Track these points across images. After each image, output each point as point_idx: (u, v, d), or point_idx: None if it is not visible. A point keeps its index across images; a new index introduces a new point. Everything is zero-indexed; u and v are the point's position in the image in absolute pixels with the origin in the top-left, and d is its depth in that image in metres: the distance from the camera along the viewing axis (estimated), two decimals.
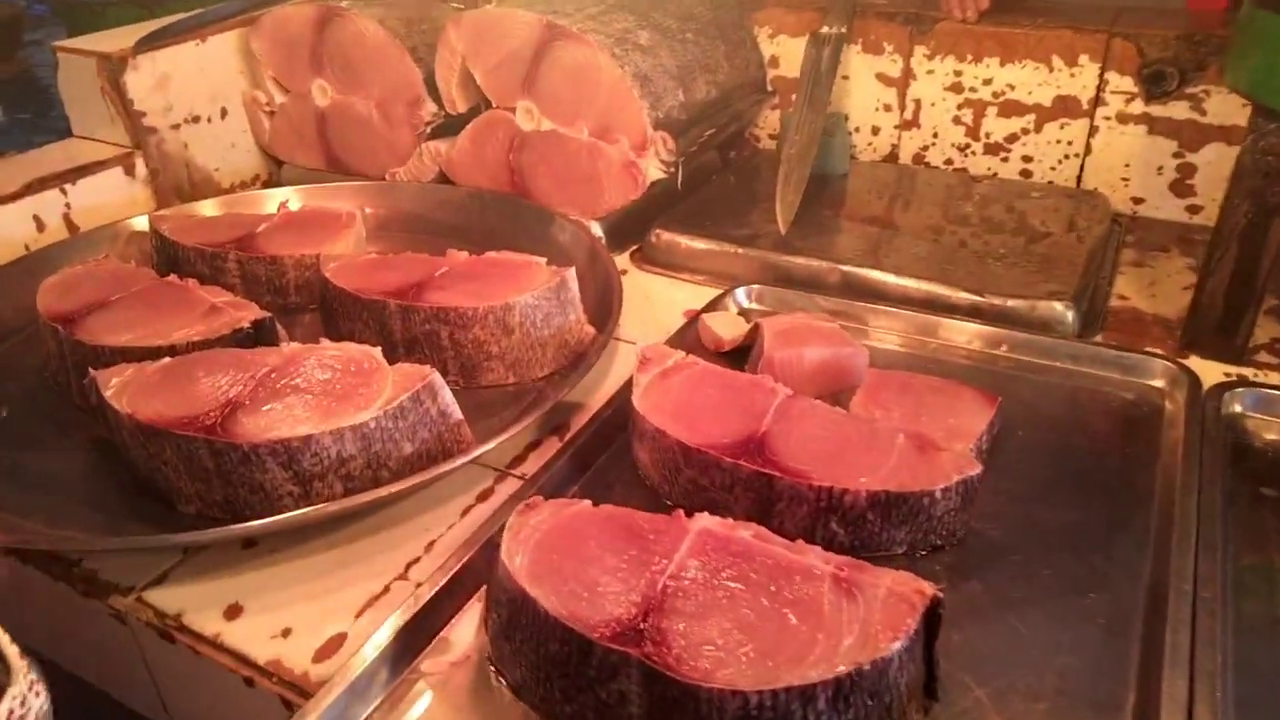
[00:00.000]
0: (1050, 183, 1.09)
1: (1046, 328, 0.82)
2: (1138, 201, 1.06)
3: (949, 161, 1.15)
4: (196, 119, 1.13)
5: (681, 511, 0.54)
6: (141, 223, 1.01)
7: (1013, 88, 1.08)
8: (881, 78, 1.14)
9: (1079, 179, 1.08)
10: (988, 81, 1.09)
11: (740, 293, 0.89)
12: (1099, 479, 0.66)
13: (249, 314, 0.77)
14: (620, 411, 0.72)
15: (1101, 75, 1.03)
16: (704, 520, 0.53)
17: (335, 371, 0.67)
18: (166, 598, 0.60)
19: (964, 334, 0.82)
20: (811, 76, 1.07)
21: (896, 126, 1.16)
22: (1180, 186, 1.04)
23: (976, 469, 0.59)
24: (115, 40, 1.08)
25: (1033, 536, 0.61)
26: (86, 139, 1.11)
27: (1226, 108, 0.98)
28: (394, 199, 1.07)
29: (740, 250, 0.95)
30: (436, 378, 0.66)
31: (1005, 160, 1.12)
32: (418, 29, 1.09)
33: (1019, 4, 1.08)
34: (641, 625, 0.47)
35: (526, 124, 1.01)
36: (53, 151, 1.09)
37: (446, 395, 0.67)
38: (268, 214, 0.98)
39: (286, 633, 0.57)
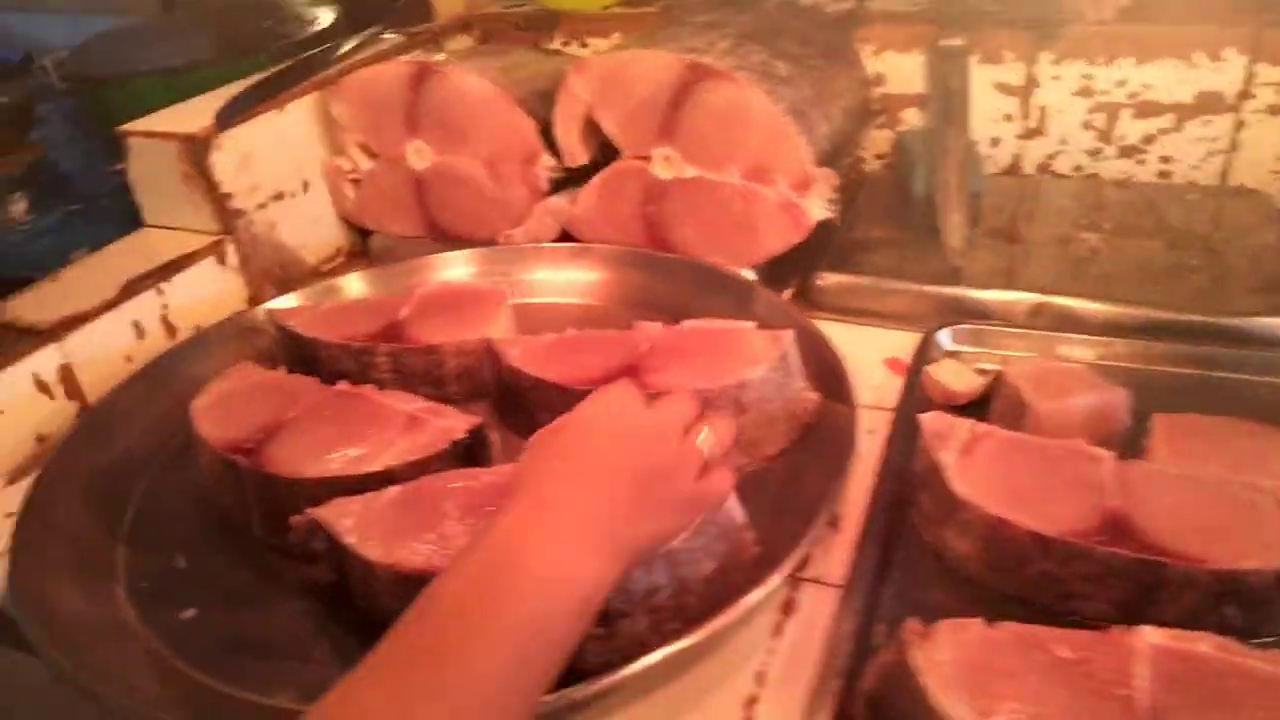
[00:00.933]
0: (1193, 183, 1.06)
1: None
2: None
3: (1078, 168, 1.10)
4: (280, 195, 1.03)
5: (1117, 628, 0.47)
6: (253, 317, 0.91)
7: (1149, 87, 1.03)
8: (1001, 87, 1.09)
9: (1224, 176, 1.05)
10: (1121, 83, 1.04)
11: (943, 335, 0.83)
12: None
13: (458, 422, 0.68)
14: (893, 490, 0.66)
15: (1250, 67, 0.99)
16: (1150, 635, 0.47)
17: None
18: None
19: (1195, 358, 0.77)
20: (943, 92, 1.02)
21: (1019, 136, 1.11)
22: None
23: None
24: (187, 117, 0.98)
25: None
26: (164, 228, 1.00)
27: None
28: (519, 264, 0.98)
29: (923, 287, 0.89)
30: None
31: (1141, 163, 1.07)
32: (521, 78, 1.01)
33: (1156, 1, 1.04)
34: None
35: (665, 172, 0.93)
36: (130, 247, 0.98)
37: (734, 501, 0.60)
38: (400, 297, 0.89)
39: None
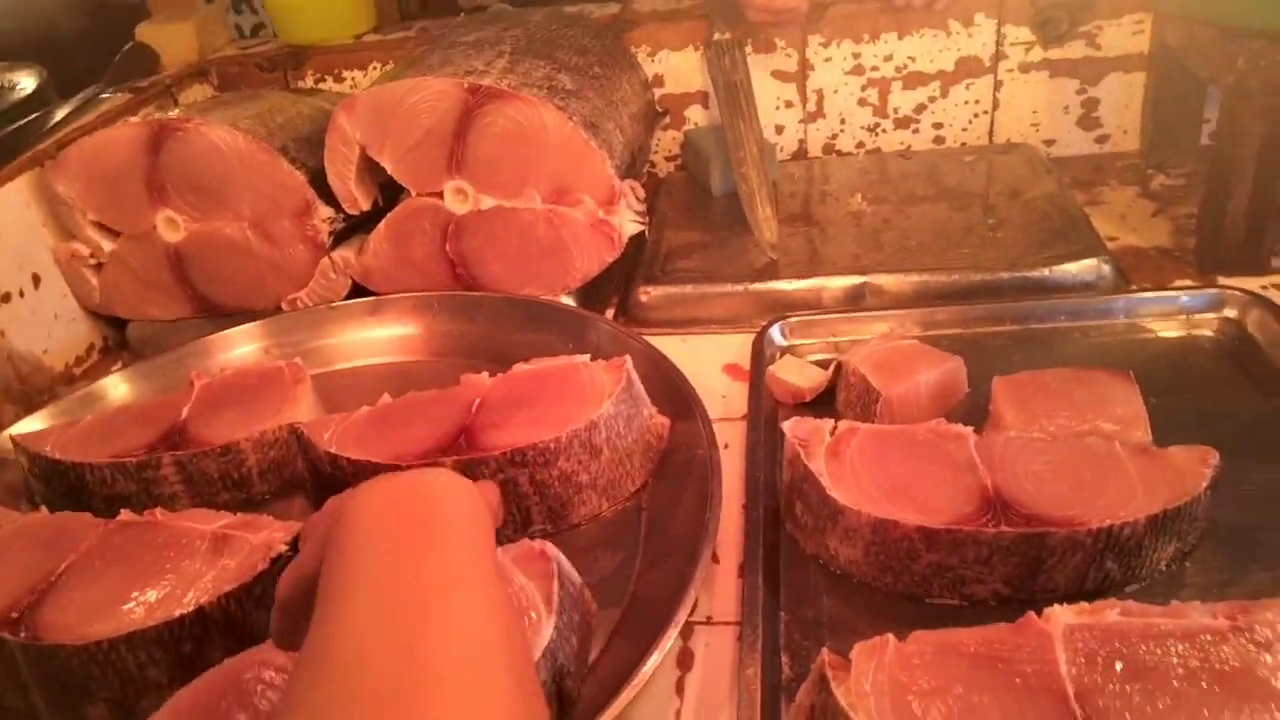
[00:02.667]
0: (964, 144, 1.10)
1: (1088, 288, 0.81)
2: (1049, 143, 1.09)
3: (860, 145, 1.13)
4: (6, 296, 0.87)
5: (1032, 615, 0.46)
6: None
7: (914, 59, 1.07)
8: (778, 75, 1.10)
9: (990, 134, 1.10)
10: (888, 57, 1.07)
11: (774, 332, 0.81)
12: (1258, 424, 0.65)
13: (276, 533, 0.59)
14: (764, 506, 0.63)
15: (999, 30, 1.04)
16: (1061, 615, 0.45)
17: None
18: None
19: (1013, 315, 0.79)
20: (725, 85, 1.00)
21: (801, 120, 1.13)
22: (1087, 121, 1.08)
23: (1215, 454, 0.55)
24: None
25: (1259, 505, 0.59)
26: None
27: (1119, 40, 1.02)
28: (311, 330, 0.88)
29: (748, 286, 0.87)
30: (551, 549, 0.53)
31: (916, 132, 1.11)
32: (277, 124, 0.90)
33: None
34: None
35: (460, 207, 0.86)
36: None
37: (568, 566, 0.54)
38: (175, 395, 0.77)
39: None
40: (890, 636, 0.47)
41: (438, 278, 0.89)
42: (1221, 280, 0.80)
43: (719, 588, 0.60)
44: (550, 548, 0.53)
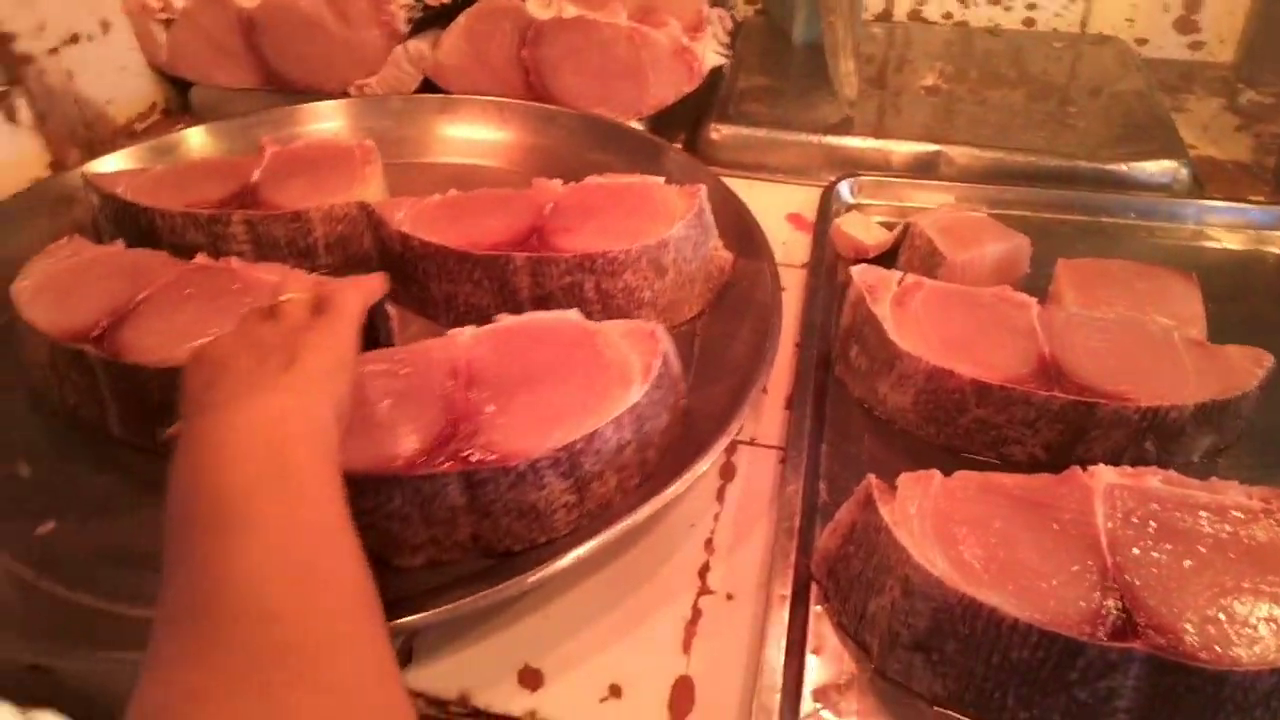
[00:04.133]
0: (1055, 30, 1.07)
1: (1162, 189, 0.81)
2: (1141, 42, 1.06)
3: (948, 15, 1.10)
4: (75, 38, 0.86)
5: (1076, 469, 0.48)
6: (63, 183, 0.77)
7: None
8: None
9: (1083, 24, 1.07)
10: None
11: (844, 188, 0.81)
12: None
13: None
14: (817, 347, 0.64)
15: None
16: (1105, 474, 0.48)
17: (556, 348, 0.55)
18: (428, 680, 0.48)
19: (1082, 205, 0.79)
20: None
21: None
22: (1185, 23, 1.04)
23: (1269, 358, 0.57)
24: None
25: None
26: None
27: None
28: (380, 117, 0.87)
29: (821, 139, 0.86)
30: (661, 331, 0.56)
31: (1008, 10, 1.08)
32: None
33: None
34: (1127, 614, 0.42)
35: (542, 12, 0.84)
36: None
37: (672, 348, 0.57)
38: (248, 157, 0.77)
39: (616, 691, 0.47)
40: (936, 471, 0.49)
41: (510, 83, 0.88)
42: None
43: (765, 415, 0.62)
44: (660, 330, 0.56)
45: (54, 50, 0.84)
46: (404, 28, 0.87)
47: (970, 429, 0.57)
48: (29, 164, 0.83)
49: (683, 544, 0.54)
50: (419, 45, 0.88)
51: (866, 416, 0.61)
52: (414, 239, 0.66)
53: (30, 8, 0.81)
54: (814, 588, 0.50)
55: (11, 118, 0.81)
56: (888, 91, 0.95)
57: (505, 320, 0.58)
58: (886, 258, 0.74)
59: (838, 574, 0.49)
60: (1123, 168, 0.81)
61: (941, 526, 0.46)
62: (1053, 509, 0.46)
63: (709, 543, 0.54)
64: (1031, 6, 1.07)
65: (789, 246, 0.77)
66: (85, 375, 0.57)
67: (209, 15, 0.90)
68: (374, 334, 0.60)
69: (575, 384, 0.53)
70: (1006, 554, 0.44)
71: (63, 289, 0.61)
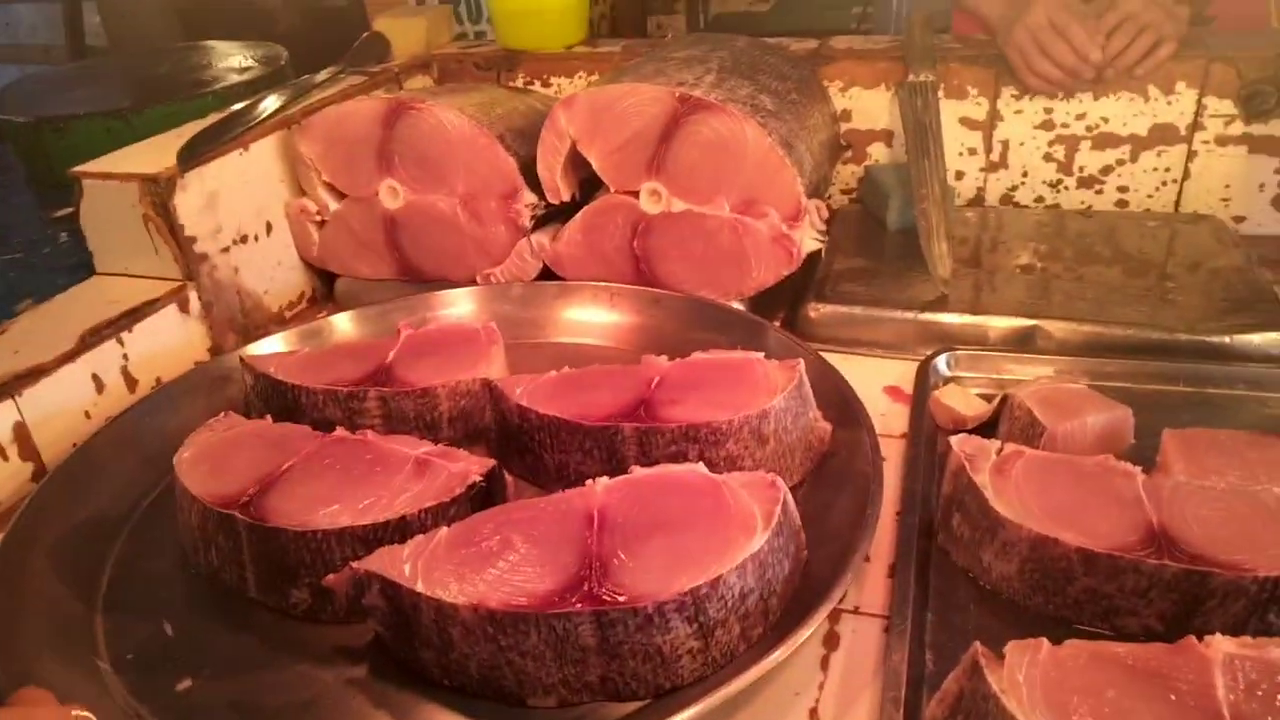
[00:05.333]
0: (1148, 210, 1.10)
1: (1270, 360, 0.80)
2: (1239, 220, 1.08)
3: (1039, 199, 1.14)
4: (245, 239, 0.99)
5: (1192, 638, 0.47)
6: (220, 365, 0.86)
7: (1106, 120, 1.08)
8: (965, 121, 1.12)
9: (1177, 204, 1.09)
10: (1080, 116, 1.08)
11: (941, 361, 0.83)
12: None
13: (472, 465, 0.65)
14: (918, 516, 0.65)
15: (1199, 100, 1.04)
16: (1223, 644, 0.46)
17: (683, 497, 0.59)
18: None
19: (1187, 376, 0.79)
20: (915, 125, 1.04)
21: (982, 169, 1.14)
22: None
23: None
24: (144, 158, 0.93)
25: None
26: (119, 275, 0.95)
27: None
28: (504, 303, 0.95)
29: (917, 315, 0.89)
30: (780, 482, 0.59)
31: (1099, 193, 1.11)
32: (497, 115, 0.99)
33: None
34: None
35: (653, 207, 0.92)
36: (85, 295, 0.92)
37: (792, 503, 0.59)
38: (383, 340, 0.85)
39: None
40: (1044, 639, 0.49)
41: (622, 271, 0.95)
42: None
43: (868, 584, 0.63)
44: (779, 480, 0.59)
45: (226, 250, 0.96)
46: (528, 223, 0.97)
47: (1080, 599, 0.56)
48: (194, 349, 0.93)
49: (788, 713, 0.54)
50: (540, 238, 0.97)
51: (972, 585, 0.61)
52: (531, 411, 0.71)
53: (211, 213, 0.94)
54: None
55: (184, 308, 0.92)
56: (982, 270, 0.99)
57: (637, 471, 0.62)
58: (985, 430, 0.75)
59: None
60: (1226, 340, 0.81)
61: (1052, 695, 0.45)
62: (1169, 679, 0.45)
63: (814, 712, 0.54)
64: (1123, 189, 1.10)
65: (887, 418, 0.79)
66: (230, 538, 0.63)
67: (357, 216, 1.02)
68: (492, 500, 0.64)
69: (701, 531, 0.56)
70: None
71: (216, 459, 0.68)
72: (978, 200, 1.16)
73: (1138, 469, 0.61)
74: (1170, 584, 0.53)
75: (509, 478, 0.68)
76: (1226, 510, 0.57)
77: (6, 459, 0.78)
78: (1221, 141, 1.05)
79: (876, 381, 0.85)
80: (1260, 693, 0.44)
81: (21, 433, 0.78)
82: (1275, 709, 0.43)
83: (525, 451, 0.73)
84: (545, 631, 0.52)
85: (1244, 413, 0.75)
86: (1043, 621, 0.57)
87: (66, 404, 0.82)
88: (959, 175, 1.15)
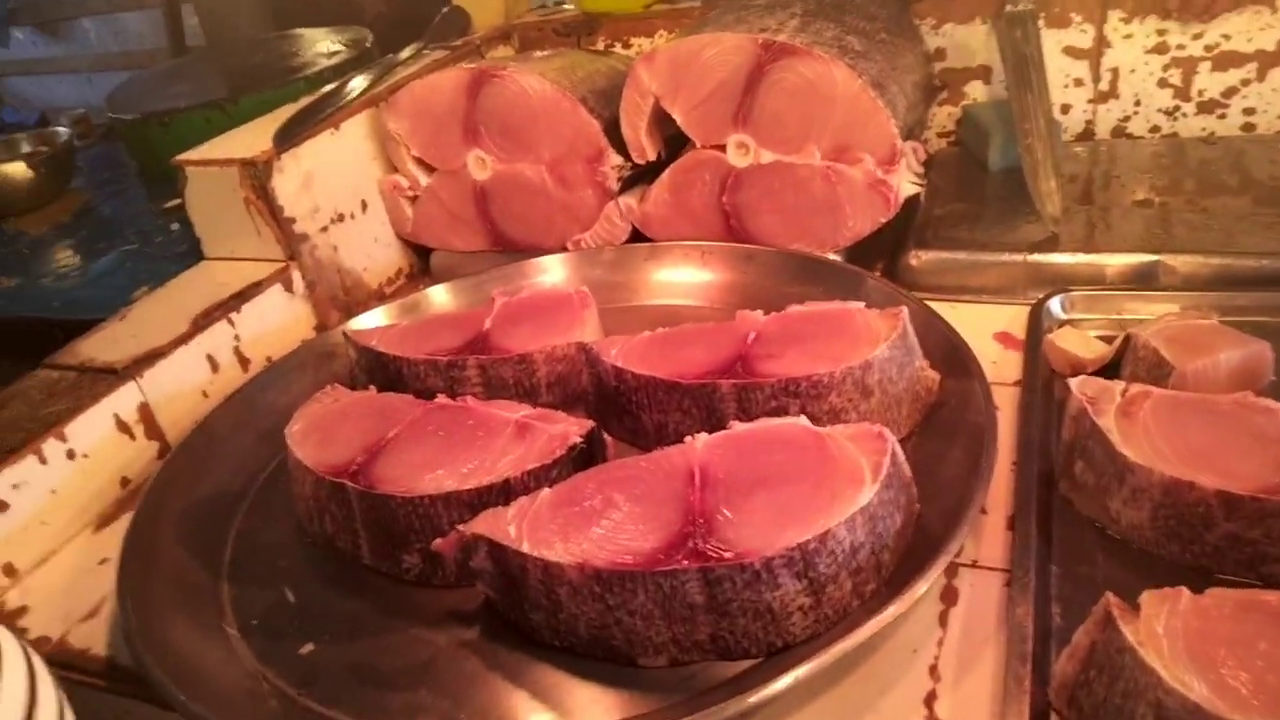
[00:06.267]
0: (1279, 133, 1.02)
1: None
2: None
3: (1155, 129, 1.07)
4: (341, 217, 1.01)
5: None
6: (325, 341, 0.88)
7: (1228, 37, 1.00)
8: (1070, 51, 1.06)
9: None
10: (1198, 36, 1.01)
11: (1055, 304, 0.79)
12: None
13: (571, 426, 0.65)
14: (1036, 465, 0.62)
15: None
16: None
17: (786, 451, 0.57)
18: None
19: None
20: (1015, 57, 0.98)
21: (1090, 101, 1.08)
22: None
23: None
24: (242, 143, 0.96)
25: None
26: (226, 259, 0.98)
27: None
28: (595, 268, 0.94)
29: (1026, 257, 0.85)
30: (889, 433, 0.57)
31: (1223, 117, 1.04)
32: (579, 78, 0.98)
33: None
34: None
35: (741, 160, 0.90)
36: (195, 280, 0.96)
37: (901, 454, 0.57)
38: (478, 309, 0.86)
39: None
40: (1184, 589, 0.46)
41: (712, 228, 0.93)
42: None
43: (986, 537, 0.60)
44: (887, 431, 0.57)
45: (324, 229, 0.98)
46: (615, 186, 0.96)
47: (1221, 546, 0.52)
48: (300, 327, 0.96)
49: (907, 671, 0.52)
50: (628, 200, 0.96)
51: (1099, 536, 0.58)
52: (626, 372, 0.70)
53: (308, 193, 0.96)
54: (1053, 718, 0.47)
55: (288, 288, 0.95)
56: (1095, 208, 0.93)
57: (737, 427, 0.61)
58: (1107, 373, 0.71)
59: (1079, 702, 0.46)
60: None
61: (1196, 647, 0.42)
62: None
63: (934, 669, 0.52)
64: (1249, 112, 1.02)
65: (999, 365, 0.76)
66: (343, 507, 0.64)
67: (448, 190, 1.02)
68: (593, 462, 0.64)
69: (807, 485, 0.55)
70: (1277, 680, 0.40)
71: (325, 431, 0.69)
72: (1087, 134, 1.09)
73: (1266, 401, 0.57)
74: None
75: (608, 439, 0.68)
76: None
77: (134, 438, 0.81)
78: None
79: (986, 328, 0.81)
80: None
81: (146, 413, 0.82)
82: None
83: (624, 413, 0.72)
84: (652, 589, 0.51)
85: None
86: (1180, 571, 0.54)
87: (185, 385, 0.85)
88: (1065, 109, 1.09)
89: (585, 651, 0.55)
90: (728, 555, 0.51)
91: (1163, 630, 0.43)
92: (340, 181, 1.00)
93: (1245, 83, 1.01)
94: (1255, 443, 0.54)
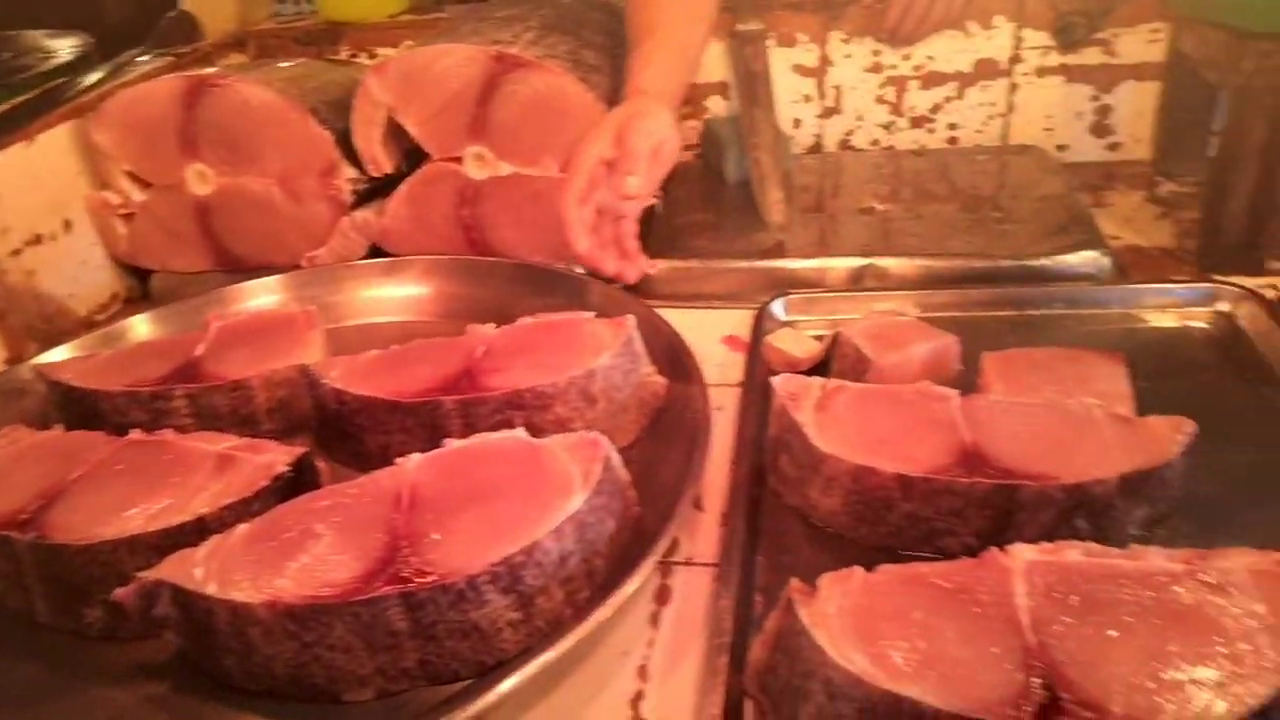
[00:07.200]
0: (978, 145, 1.12)
1: (1086, 279, 0.82)
2: (1062, 148, 1.11)
3: (875, 142, 1.15)
4: (38, 239, 0.91)
5: (995, 550, 0.47)
6: (14, 376, 0.79)
7: (932, 59, 1.09)
8: (798, 69, 1.12)
9: (1005, 137, 1.12)
10: (907, 57, 1.09)
11: (777, 306, 0.83)
12: (1241, 408, 0.66)
13: (279, 455, 0.61)
14: (750, 461, 0.64)
15: (1017, 34, 1.06)
16: (1022, 552, 0.47)
17: (500, 466, 0.56)
18: None
19: (1010, 300, 0.81)
20: (746, 76, 1.03)
21: (818, 116, 1.15)
22: (1100, 127, 1.09)
23: (1192, 425, 0.57)
24: None
25: (1234, 481, 0.60)
26: None
27: (1135, 48, 1.04)
28: (327, 286, 0.90)
29: (752, 264, 0.89)
30: (605, 441, 0.57)
31: (931, 131, 1.13)
32: (310, 88, 0.94)
33: None
34: (1051, 692, 0.40)
35: (479, 172, 0.89)
36: None
37: (617, 459, 0.57)
38: (192, 334, 0.80)
39: None
40: (858, 568, 0.48)
41: (452, 242, 0.92)
42: (1222, 279, 0.81)
43: (702, 534, 0.62)
44: (604, 439, 0.57)
45: (16, 252, 0.88)
46: (349, 200, 0.92)
47: (901, 525, 0.56)
48: None
49: (616, 674, 0.52)
50: (364, 214, 0.93)
51: (803, 525, 0.60)
52: (346, 394, 0.67)
53: None
54: (748, 704, 0.48)
55: None
56: (825, 215, 0.99)
57: (452, 444, 0.59)
58: (821, 370, 0.75)
59: (769, 686, 0.48)
60: (1046, 262, 0.83)
61: (863, 623, 0.45)
62: (972, 593, 0.45)
63: (643, 670, 0.52)
64: (954, 126, 1.12)
65: (725, 368, 0.78)
66: (10, 561, 0.57)
67: (166, 205, 0.95)
68: (304, 491, 0.60)
69: (517, 499, 0.54)
70: (928, 644, 0.43)
71: None
72: (816, 147, 1.16)
73: (954, 392, 0.62)
74: (983, 500, 0.54)
75: (323, 464, 0.64)
76: (1036, 424, 0.58)
77: None
78: (1040, 73, 1.08)
79: (717, 332, 0.84)
80: (1056, 595, 0.44)
81: None
82: (1070, 608, 0.44)
83: (346, 437, 0.69)
84: (351, 621, 0.49)
85: (1063, 331, 0.77)
86: (870, 552, 0.57)
87: None
88: (796, 123, 1.15)
89: (285, 693, 0.51)
90: (429, 577, 0.49)
91: (835, 610, 0.45)
92: (36, 199, 0.91)
93: (948, 100, 1.11)
94: (931, 428, 0.59)
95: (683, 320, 0.81)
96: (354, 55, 1.21)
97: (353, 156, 0.92)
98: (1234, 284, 0.76)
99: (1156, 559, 0.46)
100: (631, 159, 0.77)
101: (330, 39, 1.21)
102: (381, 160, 0.91)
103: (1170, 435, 0.56)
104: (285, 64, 1.02)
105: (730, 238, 0.95)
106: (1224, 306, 0.76)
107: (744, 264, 0.89)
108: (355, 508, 0.55)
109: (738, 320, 0.85)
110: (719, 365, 0.79)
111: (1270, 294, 0.75)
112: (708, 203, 1.04)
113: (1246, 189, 0.78)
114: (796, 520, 0.61)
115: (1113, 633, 0.42)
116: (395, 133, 0.91)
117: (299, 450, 0.62)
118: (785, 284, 0.87)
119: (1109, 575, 0.45)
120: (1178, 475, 0.56)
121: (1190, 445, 0.55)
